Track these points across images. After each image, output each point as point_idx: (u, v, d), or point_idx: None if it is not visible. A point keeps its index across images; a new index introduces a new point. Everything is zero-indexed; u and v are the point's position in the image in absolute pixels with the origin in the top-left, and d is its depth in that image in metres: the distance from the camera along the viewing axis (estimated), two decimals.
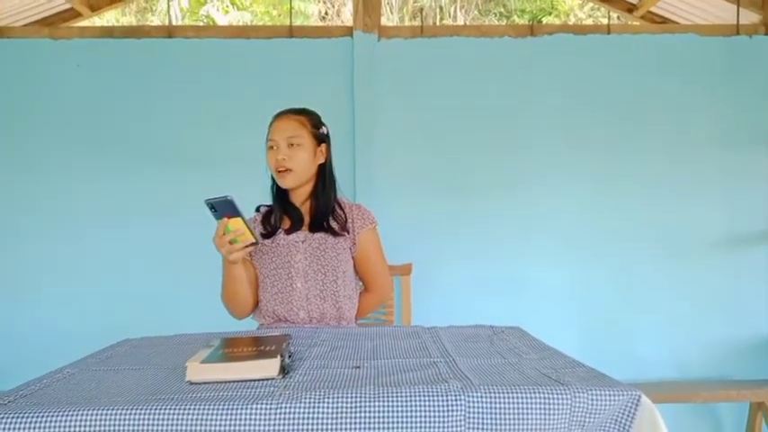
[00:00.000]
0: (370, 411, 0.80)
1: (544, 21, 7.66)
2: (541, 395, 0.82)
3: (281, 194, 1.65)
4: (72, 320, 2.60)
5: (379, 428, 0.80)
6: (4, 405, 0.84)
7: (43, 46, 2.68)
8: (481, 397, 0.82)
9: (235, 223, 1.37)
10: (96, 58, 2.69)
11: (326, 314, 1.57)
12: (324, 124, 1.68)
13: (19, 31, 2.76)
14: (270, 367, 0.94)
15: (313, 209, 1.64)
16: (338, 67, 2.69)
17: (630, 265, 2.69)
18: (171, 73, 2.70)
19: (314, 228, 1.60)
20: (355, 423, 0.80)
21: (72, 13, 3.03)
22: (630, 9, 3.14)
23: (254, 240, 1.40)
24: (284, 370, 0.95)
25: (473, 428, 0.81)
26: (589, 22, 7.34)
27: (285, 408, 0.80)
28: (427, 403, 0.81)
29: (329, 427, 0.79)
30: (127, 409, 0.79)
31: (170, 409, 0.79)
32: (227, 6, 7.58)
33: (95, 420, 0.78)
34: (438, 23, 7.92)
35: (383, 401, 0.81)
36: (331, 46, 2.72)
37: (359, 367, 1.00)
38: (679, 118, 2.72)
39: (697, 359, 2.69)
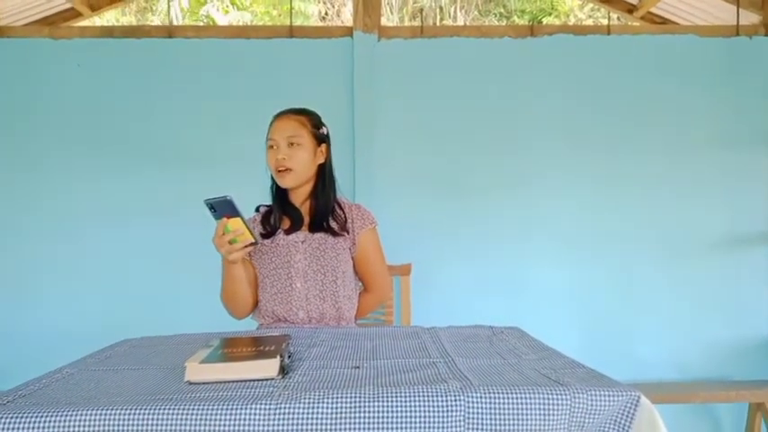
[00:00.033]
0: (369, 411, 0.80)
1: (544, 21, 7.66)
2: (541, 395, 0.82)
3: (280, 194, 1.65)
4: (72, 320, 2.60)
5: (378, 429, 0.80)
6: (3, 405, 0.83)
7: (43, 46, 2.69)
8: (480, 397, 0.82)
9: (234, 223, 1.37)
10: (96, 57, 2.69)
11: (326, 314, 1.57)
12: (324, 124, 1.68)
13: (19, 31, 2.76)
14: (269, 367, 0.94)
15: (313, 209, 1.64)
16: (338, 67, 2.70)
17: (630, 266, 2.69)
18: (171, 73, 2.70)
19: (313, 228, 1.60)
20: (355, 423, 0.80)
21: (72, 13, 3.03)
22: (630, 10, 3.14)
23: (253, 240, 1.40)
24: (284, 370, 0.95)
25: (472, 429, 0.81)
26: (589, 22, 7.34)
27: (284, 408, 0.80)
28: (426, 403, 0.81)
29: (329, 427, 0.79)
30: (126, 409, 0.79)
31: (169, 409, 0.79)
32: (227, 6, 7.58)
33: (94, 420, 0.78)
34: (438, 24, 7.92)
35: (382, 402, 0.81)
36: (331, 46, 2.72)
37: (358, 367, 1.00)
38: (679, 118, 2.72)
39: (696, 360, 2.69)
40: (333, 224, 1.61)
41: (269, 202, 1.68)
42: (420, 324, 1.46)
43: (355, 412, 0.80)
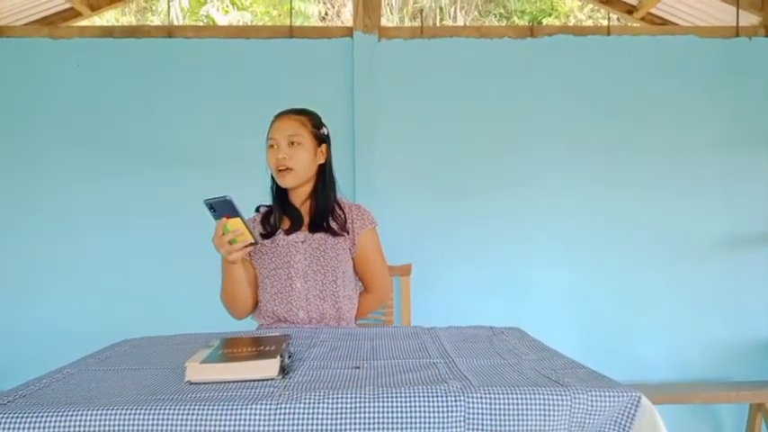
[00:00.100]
0: (369, 412, 0.80)
1: (544, 22, 7.66)
2: (541, 396, 0.82)
3: (280, 195, 1.65)
4: (72, 320, 2.60)
5: (378, 429, 0.80)
6: (3, 405, 0.83)
7: (43, 45, 2.69)
8: (480, 398, 0.82)
9: (234, 223, 1.37)
10: (96, 57, 2.69)
11: (326, 314, 1.57)
12: (324, 125, 1.68)
13: (19, 31, 2.76)
14: (269, 367, 0.94)
15: (313, 209, 1.64)
16: (338, 67, 2.70)
17: (630, 267, 2.69)
18: (171, 73, 2.70)
19: (313, 228, 1.60)
20: (355, 423, 0.80)
21: (72, 13, 3.03)
22: (630, 10, 3.14)
23: (253, 240, 1.40)
24: (284, 370, 0.95)
25: (472, 429, 0.81)
26: (589, 23, 7.34)
27: (285, 408, 0.80)
28: (427, 404, 0.81)
29: (329, 427, 0.79)
30: (126, 410, 0.79)
31: (169, 409, 0.79)
32: (228, 6, 7.58)
33: (95, 420, 0.78)
34: (438, 24, 7.92)
35: (383, 402, 0.81)
36: (331, 46, 2.72)
37: (358, 368, 1.00)
38: (679, 119, 2.72)
39: (697, 360, 2.69)
40: (333, 224, 1.61)
41: (269, 202, 1.68)
42: (420, 324, 1.45)
43: (355, 412, 0.80)
